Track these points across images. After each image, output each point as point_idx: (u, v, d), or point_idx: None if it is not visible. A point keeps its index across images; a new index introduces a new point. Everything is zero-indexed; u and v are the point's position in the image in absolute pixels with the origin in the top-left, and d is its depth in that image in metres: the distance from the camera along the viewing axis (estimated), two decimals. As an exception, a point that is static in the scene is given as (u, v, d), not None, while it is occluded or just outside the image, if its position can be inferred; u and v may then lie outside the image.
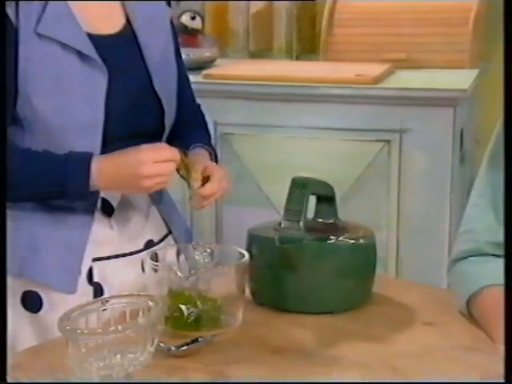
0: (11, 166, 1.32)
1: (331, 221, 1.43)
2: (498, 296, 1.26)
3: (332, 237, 1.38)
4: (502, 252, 1.32)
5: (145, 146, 1.33)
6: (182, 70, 1.55)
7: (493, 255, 1.32)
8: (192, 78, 2.40)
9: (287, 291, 1.35)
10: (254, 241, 1.39)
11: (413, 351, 1.24)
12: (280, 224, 1.35)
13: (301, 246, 1.32)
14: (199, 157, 1.47)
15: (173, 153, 1.33)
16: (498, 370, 1.11)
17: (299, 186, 1.37)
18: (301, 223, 1.33)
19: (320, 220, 1.43)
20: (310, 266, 1.34)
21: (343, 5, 2.62)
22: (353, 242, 1.39)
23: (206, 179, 1.40)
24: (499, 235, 1.32)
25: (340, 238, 1.38)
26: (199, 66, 2.53)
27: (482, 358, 1.19)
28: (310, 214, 1.41)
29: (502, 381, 1.10)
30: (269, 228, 1.39)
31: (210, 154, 1.51)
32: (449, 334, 1.29)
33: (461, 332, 1.29)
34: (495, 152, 1.35)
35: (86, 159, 1.31)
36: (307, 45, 2.74)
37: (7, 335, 1.12)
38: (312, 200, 1.41)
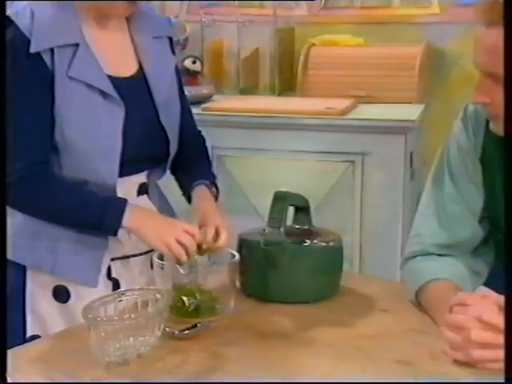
0: (61, 196, 1.33)
1: (306, 227, 1.43)
2: (440, 288, 1.27)
3: (307, 240, 1.37)
4: (443, 252, 1.33)
5: (178, 220, 1.35)
6: (186, 104, 1.54)
7: (437, 254, 1.32)
8: (193, 110, 2.40)
9: (270, 285, 1.34)
10: (243, 243, 1.38)
11: (372, 333, 1.24)
12: (264, 230, 1.35)
13: (281, 247, 1.32)
14: (198, 202, 1.43)
15: (196, 233, 1.30)
16: (442, 348, 1.12)
17: (280, 199, 1.37)
18: (281, 229, 1.33)
19: (297, 226, 1.43)
20: (289, 264, 1.34)
21: (315, 52, 2.63)
22: (324, 244, 1.38)
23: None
24: (441, 238, 1.33)
25: (314, 242, 1.38)
26: (199, 101, 2.53)
27: (428, 338, 1.19)
28: (289, 222, 1.41)
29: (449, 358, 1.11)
30: (255, 233, 1.38)
31: (209, 188, 1.47)
32: (401, 319, 1.29)
33: (411, 317, 1.29)
34: (437, 171, 1.35)
35: (123, 203, 1.30)
36: (287, 83, 2.75)
37: (6, 334, 1.06)
38: (291, 210, 1.41)
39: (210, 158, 1.61)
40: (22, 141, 1.29)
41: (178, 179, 1.53)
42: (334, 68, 2.60)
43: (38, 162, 1.31)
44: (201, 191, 1.45)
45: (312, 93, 2.61)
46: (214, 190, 1.47)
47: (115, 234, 1.32)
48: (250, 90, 2.81)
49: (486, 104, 1.19)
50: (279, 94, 2.74)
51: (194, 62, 2.67)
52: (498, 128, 1.22)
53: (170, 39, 1.50)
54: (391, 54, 2.55)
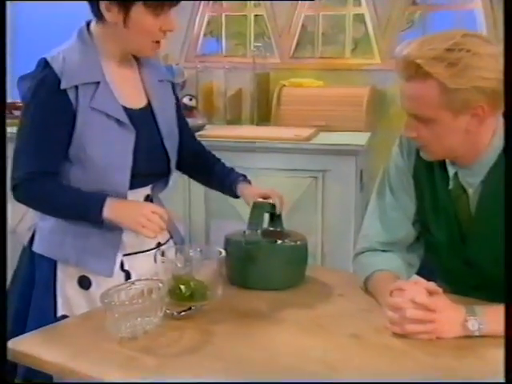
0: (58, 197, 1.32)
1: (279, 229, 1.42)
2: (383, 277, 1.27)
3: (279, 240, 1.37)
4: (385, 248, 1.33)
5: (147, 203, 1.34)
6: (184, 121, 1.53)
7: (380, 250, 1.32)
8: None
9: (250, 275, 1.34)
10: (228, 242, 1.37)
11: (331, 313, 1.24)
12: (245, 232, 1.34)
13: (259, 246, 1.31)
14: (249, 190, 1.44)
15: (162, 212, 1.30)
16: (384, 324, 1.13)
17: (258, 207, 1.37)
18: (259, 231, 1.32)
19: (271, 229, 1.42)
20: (264, 260, 1.33)
21: (286, 91, 2.63)
22: (293, 243, 1.38)
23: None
24: (384, 237, 1.33)
25: (285, 241, 1.37)
26: (194, 130, 2.51)
27: (374, 316, 1.19)
28: (266, 225, 1.40)
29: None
30: (238, 234, 1.37)
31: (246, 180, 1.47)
32: (354, 301, 1.29)
33: (361, 300, 1.29)
34: (380, 185, 1.36)
35: (103, 199, 1.29)
36: (264, 116, 2.74)
37: (7, 333, 1.03)
38: (266, 216, 1.41)
39: None
40: (36, 152, 1.29)
41: (207, 182, 1.53)
42: (300, 104, 2.61)
43: (42, 172, 1.30)
44: (244, 184, 1.45)
45: (283, 123, 2.61)
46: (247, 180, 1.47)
47: (101, 222, 1.29)
48: (234, 121, 2.80)
49: (414, 138, 1.20)
50: (258, 124, 2.74)
51: (190, 99, 2.67)
52: (425, 155, 1.23)
53: (172, 84, 1.49)
54: (344, 93, 2.57)
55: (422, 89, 1.11)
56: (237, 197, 1.46)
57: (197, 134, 2.46)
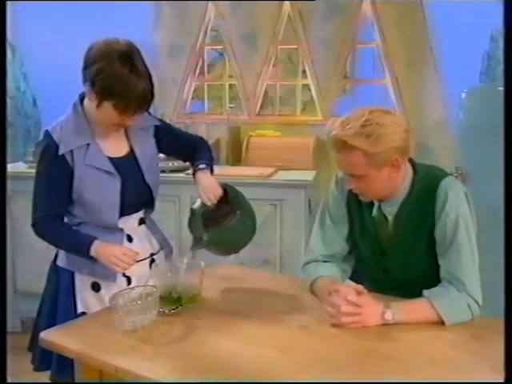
0: (59, 238, 1.32)
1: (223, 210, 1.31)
2: (324, 281, 1.27)
3: (221, 223, 1.28)
4: (326, 259, 1.32)
5: (121, 247, 1.31)
6: (181, 132, 1.47)
7: (322, 261, 1.33)
8: (178, 175, 2.38)
9: (223, 251, 1.32)
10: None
11: (285, 309, 1.24)
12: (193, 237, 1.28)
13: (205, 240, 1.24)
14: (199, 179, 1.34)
15: (133, 254, 1.28)
16: (325, 317, 1.14)
17: (192, 212, 1.30)
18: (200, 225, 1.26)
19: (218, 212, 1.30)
20: (219, 243, 1.26)
21: (253, 140, 2.65)
22: (233, 219, 1.30)
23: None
24: (325, 251, 1.33)
25: (223, 223, 1.28)
26: (183, 169, 2.50)
27: (317, 311, 1.19)
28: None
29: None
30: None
31: (207, 167, 1.37)
32: (302, 300, 1.29)
33: (308, 299, 1.29)
34: (322, 211, 1.36)
35: (90, 241, 1.29)
36: (236, 158, 2.75)
37: (7, 336, 1.00)
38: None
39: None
40: (45, 200, 1.29)
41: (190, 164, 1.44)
42: (263, 149, 2.63)
43: (51, 215, 1.30)
44: (199, 173, 1.37)
45: (251, 164, 2.62)
46: (207, 167, 1.39)
47: (90, 258, 1.29)
48: (214, 162, 2.76)
49: (353, 189, 1.23)
50: (232, 165, 2.75)
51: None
52: (362, 199, 1.26)
53: (156, 126, 1.41)
54: (296, 141, 2.60)
55: (351, 157, 1.15)
56: None
57: (185, 172, 2.48)
